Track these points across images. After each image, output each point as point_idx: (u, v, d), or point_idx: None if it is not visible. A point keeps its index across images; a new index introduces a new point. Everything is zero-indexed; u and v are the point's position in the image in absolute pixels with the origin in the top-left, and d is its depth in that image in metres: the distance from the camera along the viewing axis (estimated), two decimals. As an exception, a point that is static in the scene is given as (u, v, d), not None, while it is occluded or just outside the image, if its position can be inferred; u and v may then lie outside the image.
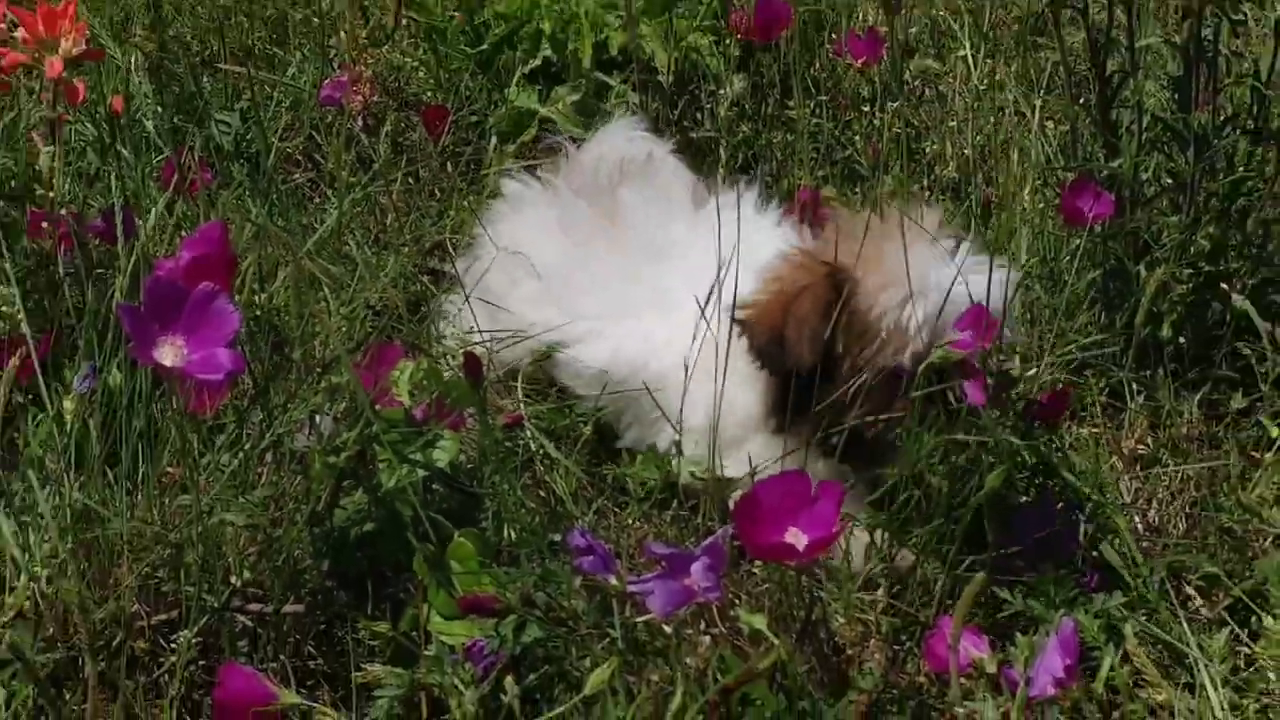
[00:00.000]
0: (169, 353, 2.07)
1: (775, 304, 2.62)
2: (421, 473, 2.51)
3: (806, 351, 2.56)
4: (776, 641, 2.13)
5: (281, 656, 2.45)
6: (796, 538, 2.12)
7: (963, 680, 2.18)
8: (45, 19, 2.83)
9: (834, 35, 4.44)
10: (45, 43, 2.85)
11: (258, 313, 2.98)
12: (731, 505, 2.25)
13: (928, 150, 4.02)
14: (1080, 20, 3.28)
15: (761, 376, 2.69)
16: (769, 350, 2.62)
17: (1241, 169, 3.28)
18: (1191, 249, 3.31)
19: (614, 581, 2.19)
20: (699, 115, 4.13)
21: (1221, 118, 3.23)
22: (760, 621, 2.16)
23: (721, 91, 4.04)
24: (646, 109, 3.65)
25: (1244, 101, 3.43)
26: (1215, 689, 2.26)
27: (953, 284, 2.51)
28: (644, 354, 2.85)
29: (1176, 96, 3.25)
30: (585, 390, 2.97)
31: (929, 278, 2.53)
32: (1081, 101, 3.44)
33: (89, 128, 3.36)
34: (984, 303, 2.45)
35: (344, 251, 3.40)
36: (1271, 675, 2.36)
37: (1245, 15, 3.58)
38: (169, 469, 2.53)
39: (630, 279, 2.93)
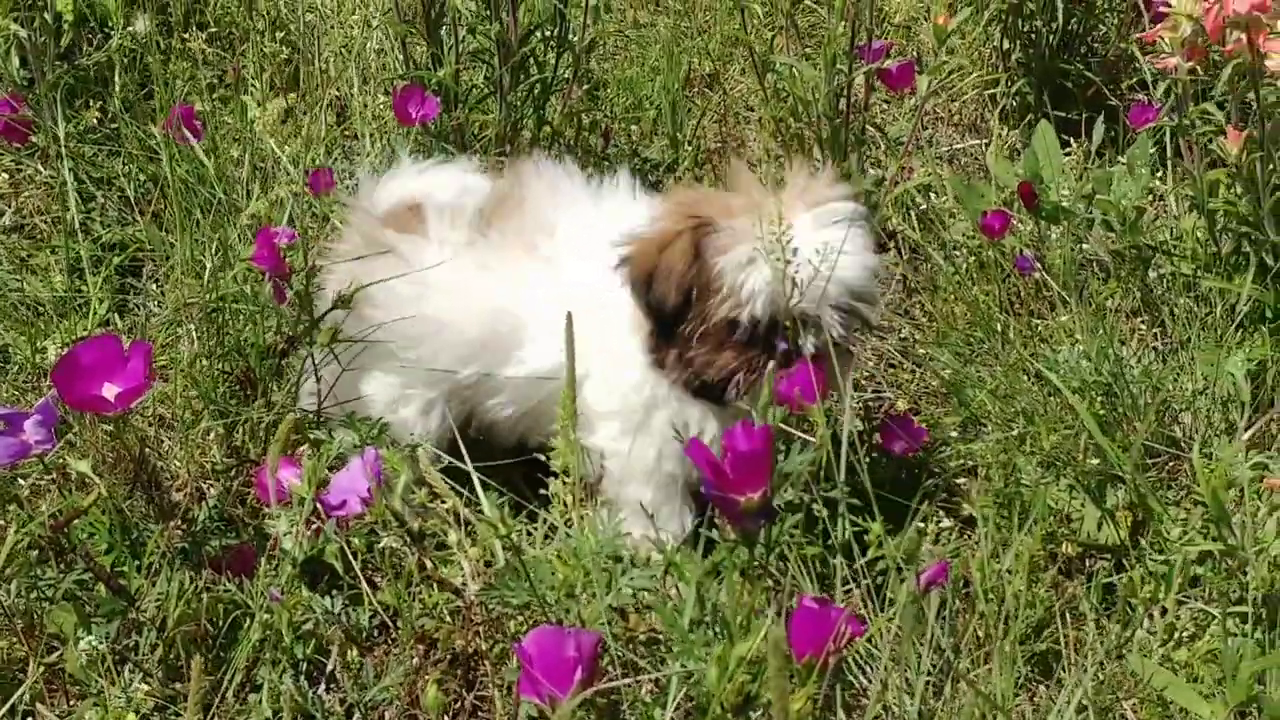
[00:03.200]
0: None
1: (651, 245, 2.46)
2: None
3: (670, 293, 2.41)
4: (98, 481, 2.12)
5: None
6: (110, 390, 2.10)
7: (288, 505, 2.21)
8: None
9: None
10: None
11: None
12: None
13: (300, 68, 4.04)
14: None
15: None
16: (639, 287, 2.46)
17: (549, 74, 3.40)
18: (515, 142, 3.42)
19: (-50, 442, 2.13)
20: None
21: (526, 30, 3.32)
22: (84, 466, 2.13)
23: (129, 29, 3.98)
24: (35, 43, 3.50)
25: (546, 13, 3.55)
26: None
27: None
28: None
29: (488, 10, 3.33)
30: None
31: (800, 243, 2.34)
32: (408, 20, 3.45)
33: None
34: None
35: None
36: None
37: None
38: None
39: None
